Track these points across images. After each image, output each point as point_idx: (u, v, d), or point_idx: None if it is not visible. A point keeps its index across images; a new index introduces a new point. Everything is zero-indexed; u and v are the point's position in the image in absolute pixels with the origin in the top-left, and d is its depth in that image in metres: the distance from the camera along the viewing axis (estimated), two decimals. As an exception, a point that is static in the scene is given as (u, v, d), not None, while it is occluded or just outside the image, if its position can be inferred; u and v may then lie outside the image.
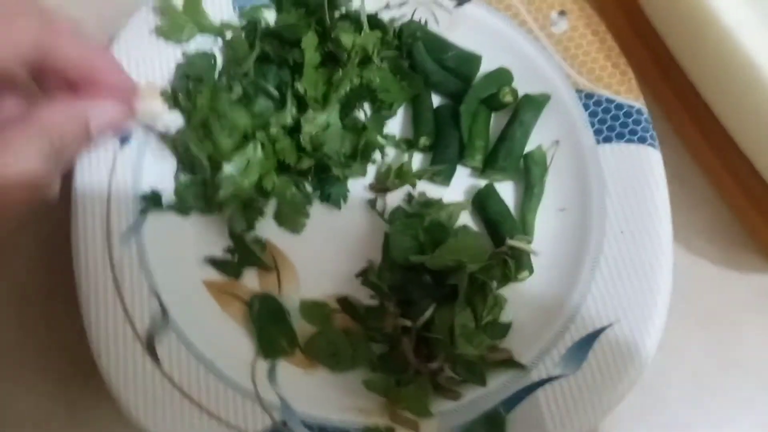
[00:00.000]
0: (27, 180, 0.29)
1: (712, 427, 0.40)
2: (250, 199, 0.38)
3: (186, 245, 0.39)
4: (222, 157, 0.37)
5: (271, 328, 0.38)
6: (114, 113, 0.34)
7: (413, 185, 0.41)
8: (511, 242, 0.38)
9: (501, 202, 0.41)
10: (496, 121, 0.43)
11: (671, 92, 0.43)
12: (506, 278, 0.39)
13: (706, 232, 0.43)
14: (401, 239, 0.37)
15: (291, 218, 0.39)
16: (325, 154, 0.39)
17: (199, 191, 0.38)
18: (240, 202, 0.38)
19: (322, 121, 0.38)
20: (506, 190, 0.42)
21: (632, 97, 0.40)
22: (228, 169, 0.37)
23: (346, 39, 0.39)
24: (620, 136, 0.40)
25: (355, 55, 0.39)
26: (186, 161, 0.38)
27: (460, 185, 0.42)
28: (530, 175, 0.41)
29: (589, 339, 0.36)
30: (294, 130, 0.39)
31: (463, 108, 0.41)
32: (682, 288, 0.38)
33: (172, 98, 0.39)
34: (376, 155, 0.41)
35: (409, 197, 0.41)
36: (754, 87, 0.36)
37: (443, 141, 0.41)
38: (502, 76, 0.42)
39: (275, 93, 0.39)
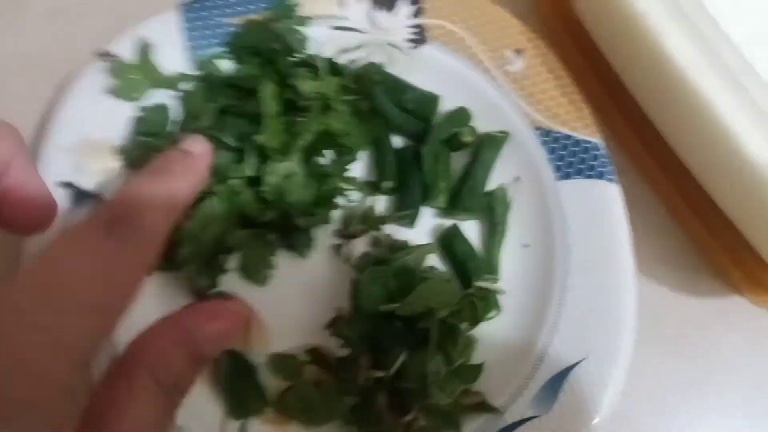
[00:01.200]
0: None
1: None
2: (211, 256, 0.37)
3: (146, 306, 0.37)
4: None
5: (239, 386, 0.37)
6: (226, 326, 0.26)
7: (378, 230, 0.40)
8: (478, 284, 0.39)
9: (466, 241, 0.41)
10: (457, 159, 0.43)
11: (626, 124, 0.44)
12: (475, 319, 0.39)
13: (666, 259, 0.44)
14: (370, 288, 0.37)
15: (255, 271, 0.39)
16: (289, 204, 0.38)
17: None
18: (202, 259, 0.37)
19: (284, 171, 0.38)
20: (471, 229, 0.42)
21: (589, 133, 0.41)
22: (187, 225, 0.36)
23: (306, 86, 0.38)
24: (579, 172, 0.40)
25: (316, 103, 0.38)
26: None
27: (425, 225, 0.42)
28: (493, 213, 0.41)
29: (560, 378, 0.37)
30: (255, 182, 0.38)
31: (424, 150, 0.41)
32: (646, 315, 0.38)
33: (128, 156, 0.37)
34: (340, 200, 0.40)
35: (375, 241, 0.41)
36: (704, 120, 0.38)
37: (406, 183, 0.41)
38: (461, 116, 0.42)
39: (234, 145, 0.38)
